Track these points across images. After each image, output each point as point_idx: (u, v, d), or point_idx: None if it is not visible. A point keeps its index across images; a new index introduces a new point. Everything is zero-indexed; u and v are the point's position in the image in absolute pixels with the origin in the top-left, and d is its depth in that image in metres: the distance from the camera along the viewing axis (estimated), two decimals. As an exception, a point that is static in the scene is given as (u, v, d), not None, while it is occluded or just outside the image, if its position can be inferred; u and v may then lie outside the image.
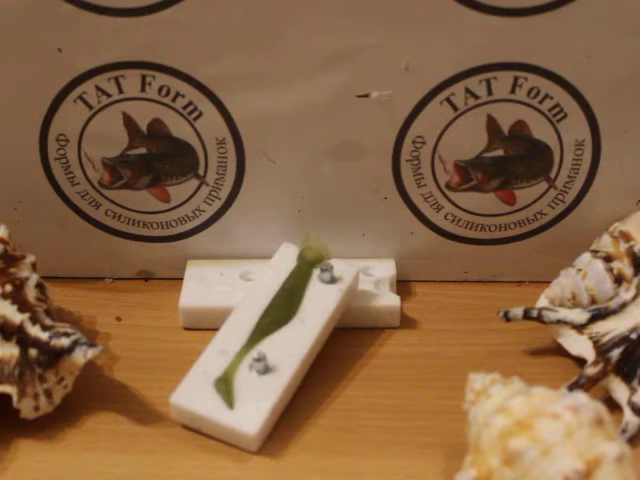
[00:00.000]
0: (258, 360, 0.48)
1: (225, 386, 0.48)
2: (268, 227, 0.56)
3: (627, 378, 0.49)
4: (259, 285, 0.53)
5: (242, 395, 0.47)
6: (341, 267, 0.53)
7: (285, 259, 0.54)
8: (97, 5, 0.49)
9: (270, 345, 0.49)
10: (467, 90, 0.51)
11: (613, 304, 0.51)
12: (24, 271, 0.50)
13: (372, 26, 0.49)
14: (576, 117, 0.52)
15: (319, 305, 0.51)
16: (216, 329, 0.51)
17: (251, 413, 0.47)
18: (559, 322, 0.51)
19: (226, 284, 0.55)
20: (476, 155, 0.53)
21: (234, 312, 0.51)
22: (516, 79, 0.51)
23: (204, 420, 0.47)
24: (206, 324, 0.53)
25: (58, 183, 0.55)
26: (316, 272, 0.53)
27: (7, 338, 0.47)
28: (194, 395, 0.48)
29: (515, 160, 0.53)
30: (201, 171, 0.54)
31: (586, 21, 0.49)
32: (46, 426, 0.48)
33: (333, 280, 0.52)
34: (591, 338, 0.50)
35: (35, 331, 0.47)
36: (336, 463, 0.46)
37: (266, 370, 0.48)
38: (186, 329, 0.55)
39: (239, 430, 0.46)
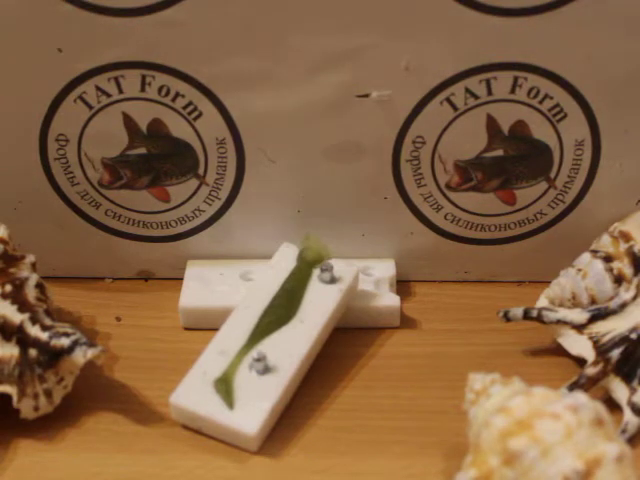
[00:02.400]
0: (258, 360, 0.48)
1: (225, 386, 0.48)
2: (268, 227, 0.56)
3: (627, 378, 0.49)
4: (259, 285, 0.53)
5: (242, 395, 0.47)
6: (341, 267, 0.53)
7: (285, 259, 0.54)
8: (97, 5, 0.49)
9: (270, 345, 0.49)
10: (467, 90, 0.51)
11: (613, 304, 0.51)
12: (24, 271, 0.50)
13: (372, 26, 0.49)
14: (576, 117, 0.52)
15: (319, 305, 0.51)
16: (216, 329, 0.51)
17: (251, 413, 0.47)
18: (559, 322, 0.51)
19: (226, 284, 0.55)
20: (476, 155, 0.53)
21: (234, 312, 0.51)
22: (516, 79, 0.51)
23: (204, 420, 0.47)
24: (206, 324, 0.53)
25: (58, 183, 0.55)
26: (316, 272, 0.53)
27: (7, 338, 0.47)
28: (194, 395, 0.47)
29: (515, 160, 0.53)
30: (201, 171, 0.54)
31: (586, 21, 0.49)
32: (46, 426, 0.48)
33: (333, 280, 0.52)
34: (591, 338, 0.50)
35: (35, 331, 0.47)
36: (336, 463, 0.46)
37: (266, 370, 0.48)
38: (186, 329, 0.55)
39: (239, 430, 0.46)
